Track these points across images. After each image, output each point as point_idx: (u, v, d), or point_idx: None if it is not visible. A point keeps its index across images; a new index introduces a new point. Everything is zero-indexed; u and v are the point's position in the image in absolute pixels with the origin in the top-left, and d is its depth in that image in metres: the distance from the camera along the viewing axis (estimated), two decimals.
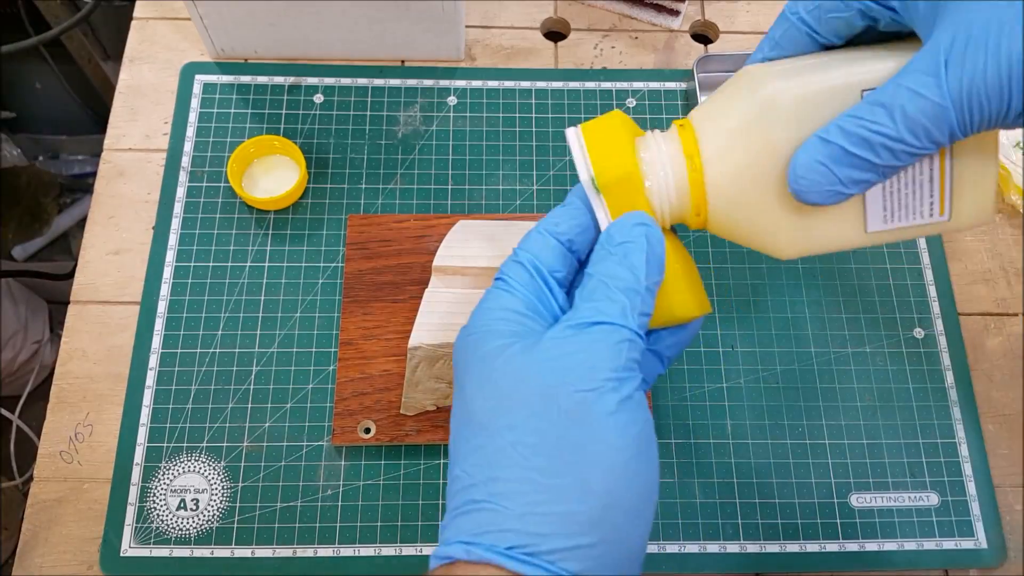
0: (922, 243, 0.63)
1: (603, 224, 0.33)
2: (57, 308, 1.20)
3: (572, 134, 0.34)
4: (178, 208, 0.62)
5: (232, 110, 0.65)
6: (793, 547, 0.54)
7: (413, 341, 0.51)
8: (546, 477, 0.28)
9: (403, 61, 0.68)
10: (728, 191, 0.33)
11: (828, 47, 0.34)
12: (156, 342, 0.58)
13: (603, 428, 0.28)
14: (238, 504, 0.54)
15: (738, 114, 0.32)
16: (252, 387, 0.57)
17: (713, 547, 0.54)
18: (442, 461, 0.55)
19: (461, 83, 0.67)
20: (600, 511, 0.28)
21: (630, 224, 0.32)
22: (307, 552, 0.53)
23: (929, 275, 0.61)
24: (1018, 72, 0.26)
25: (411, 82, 0.67)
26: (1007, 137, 0.65)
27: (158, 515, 0.53)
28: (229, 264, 0.60)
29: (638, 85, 0.68)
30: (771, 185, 0.32)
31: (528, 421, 0.29)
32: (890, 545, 0.54)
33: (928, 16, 0.29)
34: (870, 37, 0.33)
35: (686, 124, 0.34)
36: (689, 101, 0.67)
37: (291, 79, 0.67)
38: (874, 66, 0.31)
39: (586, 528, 0.27)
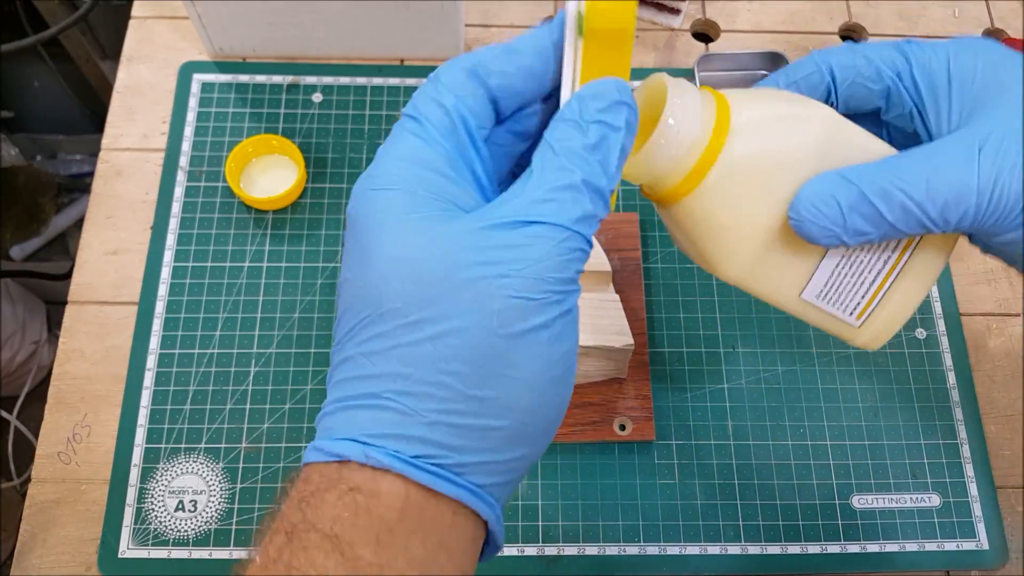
0: None
1: (566, 85, 0.28)
2: (55, 308, 1.20)
3: None
4: (176, 208, 0.62)
5: (230, 109, 0.65)
6: (795, 548, 0.54)
7: None
8: (466, 385, 0.25)
9: (402, 60, 0.68)
10: (730, 178, 0.31)
11: None
12: (154, 342, 0.57)
13: (537, 343, 0.25)
14: (237, 505, 0.54)
15: (784, 112, 0.31)
16: (251, 388, 0.56)
17: (714, 549, 0.53)
18: None
19: None
20: (519, 427, 0.25)
21: (612, 97, 0.27)
22: None
23: None
24: None
25: (410, 81, 0.67)
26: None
27: (156, 516, 0.53)
28: (227, 264, 0.60)
29: (638, 84, 0.67)
30: (769, 199, 0.31)
31: (453, 317, 0.25)
32: (892, 546, 0.54)
33: (952, 117, 0.30)
34: (866, 121, 0.34)
35: (721, 97, 0.32)
36: None
37: (290, 78, 0.66)
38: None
39: (501, 445, 0.25)
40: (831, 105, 0.34)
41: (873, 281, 0.33)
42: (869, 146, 0.31)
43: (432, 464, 0.25)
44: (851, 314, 0.33)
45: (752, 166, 0.30)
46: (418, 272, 0.25)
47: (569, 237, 0.26)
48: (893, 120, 0.34)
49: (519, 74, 0.28)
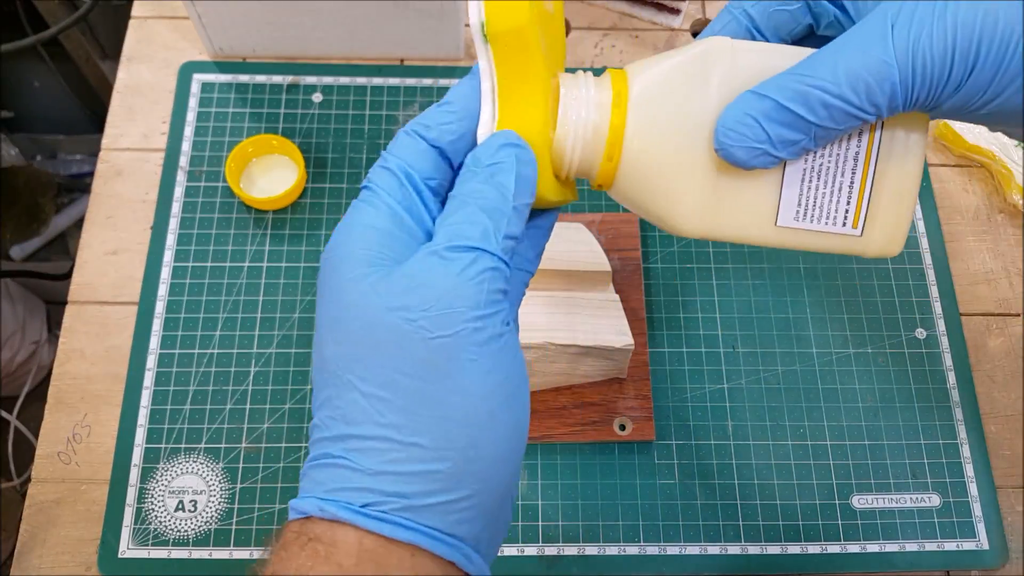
0: (924, 243, 0.62)
1: (485, 98, 0.29)
2: (55, 308, 1.19)
3: None
4: (176, 208, 0.62)
5: (230, 109, 0.65)
6: (795, 548, 0.54)
7: None
8: (403, 435, 0.25)
9: (402, 60, 0.68)
10: (648, 140, 0.30)
11: None
12: (154, 342, 0.57)
13: (463, 378, 0.26)
14: (236, 505, 0.54)
15: (677, 61, 0.31)
16: (251, 388, 0.56)
17: (714, 549, 0.53)
18: None
19: None
20: (462, 465, 0.26)
21: (497, 145, 0.28)
22: None
23: (931, 275, 0.61)
24: (962, 39, 0.26)
25: (410, 81, 0.67)
26: (1008, 136, 0.65)
27: (156, 516, 0.53)
28: (227, 264, 0.60)
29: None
30: (693, 144, 0.30)
31: (381, 372, 0.26)
32: (892, 546, 0.54)
33: (868, 3, 0.29)
34: (808, 44, 0.33)
35: (621, 71, 0.32)
36: None
37: (289, 78, 0.66)
38: None
39: (447, 485, 0.25)
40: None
41: (852, 181, 0.31)
42: (777, 62, 0.30)
43: (380, 511, 0.25)
44: (844, 224, 0.31)
45: (664, 124, 0.30)
46: (345, 332, 0.27)
47: (474, 260, 0.26)
48: (829, 32, 0.32)
49: (455, 120, 0.30)
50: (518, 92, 0.29)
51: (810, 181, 0.31)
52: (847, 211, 0.31)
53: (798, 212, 0.31)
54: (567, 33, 0.70)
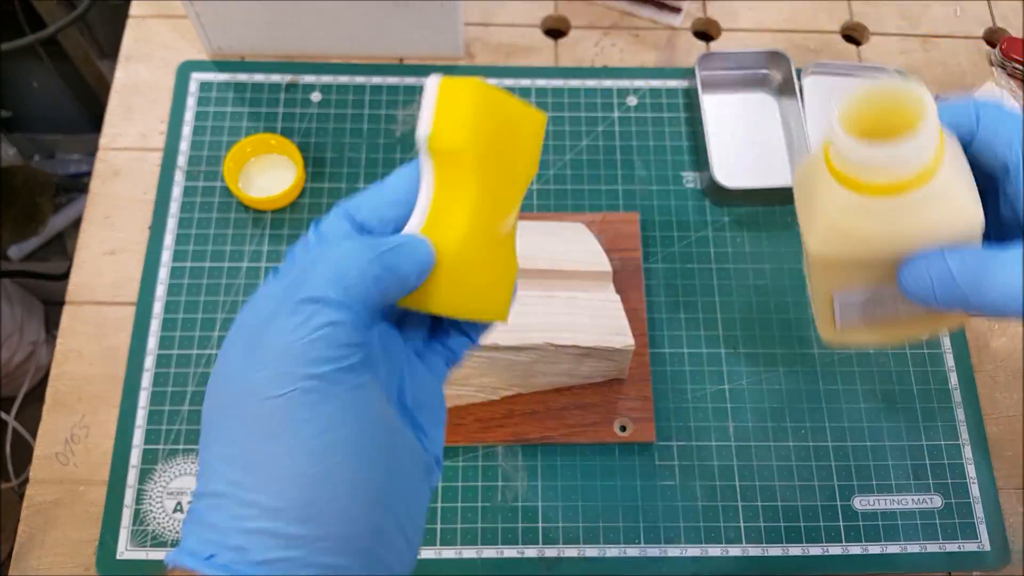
0: None
1: (422, 190, 0.30)
2: (53, 308, 1.19)
3: (432, 83, 0.31)
4: (174, 208, 0.61)
5: (229, 108, 0.65)
6: (796, 550, 0.53)
7: None
8: (245, 492, 0.26)
9: (401, 59, 0.67)
10: (934, 197, 0.33)
11: None
12: (152, 343, 0.57)
13: (293, 439, 0.26)
14: None
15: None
16: None
17: (715, 550, 0.53)
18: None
19: None
20: (298, 525, 0.25)
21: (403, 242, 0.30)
22: None
23: None
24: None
25: (409, 80, 0.66)
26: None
27: (154, 518, 0.53)
28: (226, 264, 0.60)
29: (639, 83, 0.67)
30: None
31: (228, 432, 0.27)
32: (893, 547, 0.54)
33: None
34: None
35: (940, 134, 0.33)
36: (691, 99, 0.66)
37: (288, 77, 0.66)
38: None
39: (284, 543, 0.25)
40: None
41: (878, 316, 0.36)
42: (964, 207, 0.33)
43: (223, 563, 0.26)
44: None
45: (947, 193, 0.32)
46: (213, 391, 0.28)
47: (311, 315, 0.26)
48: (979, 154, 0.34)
49: (385, 204, 0.31)
50: (449, 202, 0.30)
51: (873, 294, 0.37)
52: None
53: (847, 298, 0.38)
54: (566, 33, 0.69)
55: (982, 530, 0.54)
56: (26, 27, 1.05)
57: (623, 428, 0.54)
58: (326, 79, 0.66)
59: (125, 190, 0.62)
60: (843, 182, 0.34)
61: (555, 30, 0.70)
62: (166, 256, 0.60)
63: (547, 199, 0.63)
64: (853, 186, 0.33)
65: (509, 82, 0.66)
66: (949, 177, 0.32)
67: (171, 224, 0.61)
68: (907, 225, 0.33)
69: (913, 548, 0.54)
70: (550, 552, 0.53)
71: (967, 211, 0.33)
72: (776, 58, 0.67)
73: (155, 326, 0.58)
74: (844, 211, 0.34)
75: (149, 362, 0.57)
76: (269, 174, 0.62)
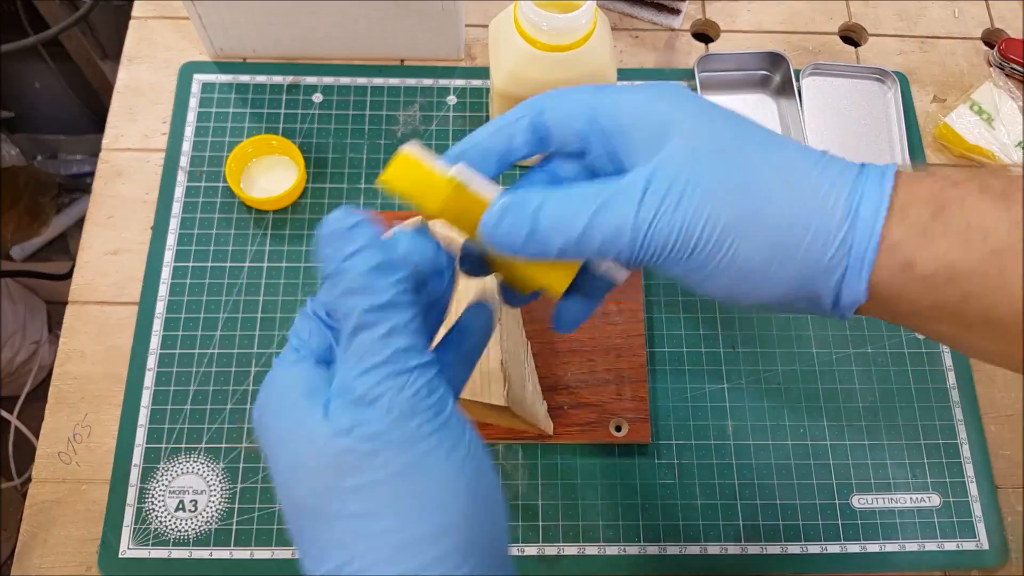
0: None
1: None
2: (55, 308, 1.20)
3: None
4: (176, 208, 0.62)
5: (231, 109, 0.65)
6: (795, 548, 0.54)
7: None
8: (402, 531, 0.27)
9: (402, 60, 0.68)
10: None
11: None
12: (154, 342, 0.57)
13: (337, 528, 0.27)
14: (237, 505, 0.54)
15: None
16: (251, 388, 0.56)
17: (714, 548, 0.53)
18: None
19: (460, 82, 0.67)
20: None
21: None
22: None
23: None
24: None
25: (410, 81, 0.67)
26: (1008, 136, 0.65)
27: (157, 516, 0.53)
28: (228, 264, 0.60)
29: (639, 84, 0.67)
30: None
31: (289, 485, 0.28)
32: (892, 546, 0.54)
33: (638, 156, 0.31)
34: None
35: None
36: None
37: (290, 78, 0.66)
38: None
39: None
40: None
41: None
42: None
43: None
44: None
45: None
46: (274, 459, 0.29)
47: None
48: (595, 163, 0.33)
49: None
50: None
51: None
52: None
53: None
54: None
55: (980, 529, 0.54)
56: (29, 28, 1.06)
57: (619, 429, 0.55)
58: (327, 80, 0.66)
59: (128, 190, 0.63)
60: (525, 38, 0.50)
61: None
62: (168, 256, 0.60)
63: None
64: (532, 42, 0.49)
65: None
66: (596, 45, 0.50)
67: (173, 224, 0.61)
68: (565, 73, 0.50)
69: (911, 547, 0.54)
70: (550, 550, 0.53)
71: (606, 69, 0.52)
72: (775, 59, 0.67)
73: (157, 326, 0.58)
74: (523, 59, 0.50)
75: (151, 361, 0.57)
76: (271, 174, 0.62)
